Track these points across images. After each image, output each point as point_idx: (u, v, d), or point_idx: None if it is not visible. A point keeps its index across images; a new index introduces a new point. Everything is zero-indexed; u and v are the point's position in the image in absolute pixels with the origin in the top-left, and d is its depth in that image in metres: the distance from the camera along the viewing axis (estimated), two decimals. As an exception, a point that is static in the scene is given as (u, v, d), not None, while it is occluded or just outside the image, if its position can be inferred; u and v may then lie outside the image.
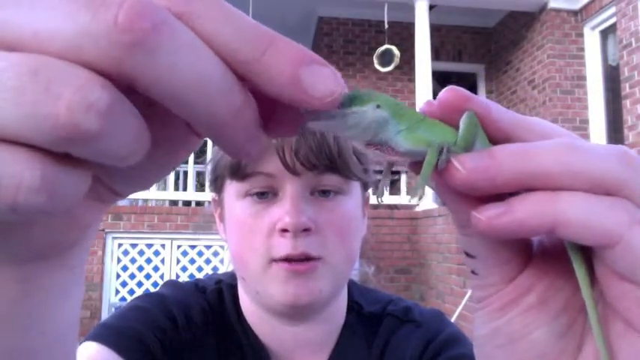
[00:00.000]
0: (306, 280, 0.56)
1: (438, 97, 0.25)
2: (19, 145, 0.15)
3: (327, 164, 0.56)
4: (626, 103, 5.10)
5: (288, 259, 0.55)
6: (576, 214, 0.22)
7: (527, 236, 0.25)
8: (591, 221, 0.22)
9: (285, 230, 0.55)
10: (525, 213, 0.23)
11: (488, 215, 0.23)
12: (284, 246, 0.55)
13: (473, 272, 0.28)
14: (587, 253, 0.24)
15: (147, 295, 0.64)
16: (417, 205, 5.54)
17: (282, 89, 0.19)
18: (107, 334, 0.56)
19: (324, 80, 0.19)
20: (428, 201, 5.47)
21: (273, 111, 0.22)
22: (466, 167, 0.23)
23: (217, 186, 0.64)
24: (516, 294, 0.26)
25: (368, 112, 0.23)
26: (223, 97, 0.18)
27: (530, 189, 0.23)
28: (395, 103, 0.25)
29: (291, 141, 0.55)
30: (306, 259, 0.56)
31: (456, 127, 0.25)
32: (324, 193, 0.58)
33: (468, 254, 0.28)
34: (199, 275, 4.91)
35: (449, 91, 0.25)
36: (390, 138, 0.24)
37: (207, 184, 0.71)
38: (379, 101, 0.24)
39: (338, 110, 0.22)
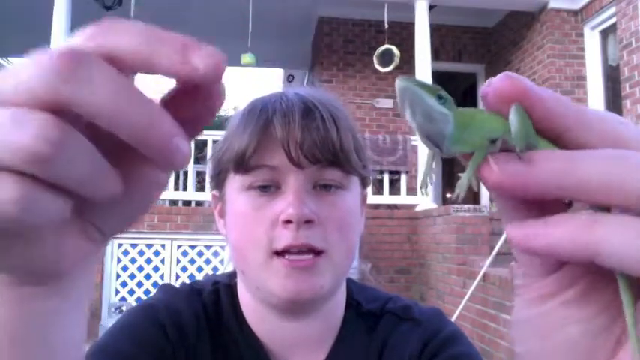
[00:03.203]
0: (307, 276, 0.56)
1: (493, 83, 0.24)
2: (2, 170, 0.20)
3: (330, 159, 0.58)
4: (626, 103, 5.10)
5: (289, 252, 0.56)
6: (617, 246, 0.21)
7: (565, 261, 0.24)
8: (636, 253, 0.21)
9: (288, 222, 0.56)
10: (562, 239, 0.22)
11: (521, 232, 0.23)
12: (286, 237, 0.56)
13: (514, 259, 0.28)
14: None
15: (137, 308, 0.64)
16: (417, 205, 5.54)
17: (178, 72, 0.22)
18: None
19: (207, 55, 0.22)
20: (428, 201, 5.47)
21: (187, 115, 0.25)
22: (500, 169, 0.23)
23: (219, 181, 0.64)
24: (555, 288, 0.25)
25: (449, 119, 0.24)
26: (131, 107, 0.22)
27: (574, 200, 0.22)
28: (455, 105, 0.25)
29: (296, 135, 0.57)
30: (307, 250, 0.56)
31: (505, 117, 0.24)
32: (326, 187, 0.59)
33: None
34: (199, 275, 4.91)
35: (505, 80, 0.24)
36: (444, 139, 0.24)
37: (207, 180, 0.72)
38: (452, 107, 0.25)
39: (434, 102, 0.24)
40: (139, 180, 0.25)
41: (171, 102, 0.24)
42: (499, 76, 0.24)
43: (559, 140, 0.24)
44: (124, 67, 0.23)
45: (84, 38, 0.23)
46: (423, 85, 0.24)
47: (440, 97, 0.24)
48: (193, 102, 0.24)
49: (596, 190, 0.22)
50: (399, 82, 0.24)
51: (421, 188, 0.31)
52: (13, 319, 0.26)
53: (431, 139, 0.25)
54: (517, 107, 0.23)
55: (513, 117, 0.23)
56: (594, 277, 0.25)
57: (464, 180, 0.24)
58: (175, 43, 0.22)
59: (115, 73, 0.22)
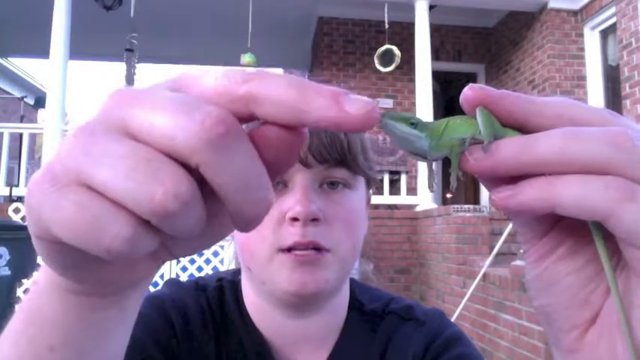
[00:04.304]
0: (313, 269, 0.57)
1: (462, 94, 0.29)
2: (121, 207, 0.21)
3: (338, 158, 0.59)
4: (626, 103, 5.10)
5: (295, 249, 0.56)
6: (570, 196, 0.25)
7: (534, 215, 0.29)
8: (583, 201, 0.25)
9: (295, 219, 0.56)
10: (528, 197, 0.26)
11: (499, 196, 0.27)
12: (292, 234, 0.56)
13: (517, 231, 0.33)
14: None
15: (147, 297, 0.64)
16: (417, 205, 5.54)
17: (328, 117, 0.23)
18: None
19: (359, 103, 0.23)
20: (428, 201, 5.47)
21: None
22: (473, 159, 0.28)
23: None
24: (549, 247, 0.30)
25: (422, 137, 0.31)
26: (252, 194, 0.23)
27: (535, 173, 0.27)
28: (426, 124, 0.31)
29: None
30: (313, 248, 0.56)
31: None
32: (332, 185, 0.60)
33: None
34: (199, 275, 4.89)
35: (470, 90, 0.29)
36: (426, 151, 0.31)
37: None
38: (424, 127, 0.31)
39: (408, 129, 0.30)
40: (218, 222, 0.27)
41: (257, 138, 0.24)
42: (466, 87, 0.29)
43: (524, 129, 0.29)
44: (270, 115, 0.23)
45: (235, 81, 0.23)
46: (398, 117, 0.31)
47: (412, 124, 0.31)
48: (278, 144, 0.24)
49: (552, 163, 0.26)
50: (381, 120, 0.31)
51: (429, 188, 0.37)
52: (72, 323, 0.29)
53: (415, 154, 0.32)
54: (480, 109, 0.29)
55: (478, 117, 0.29)
56: (578, 236, 0.30)
57: (452, 174, 0.30)
58: (325, 90, 0.23)
59: (253, 153, 0.22)
